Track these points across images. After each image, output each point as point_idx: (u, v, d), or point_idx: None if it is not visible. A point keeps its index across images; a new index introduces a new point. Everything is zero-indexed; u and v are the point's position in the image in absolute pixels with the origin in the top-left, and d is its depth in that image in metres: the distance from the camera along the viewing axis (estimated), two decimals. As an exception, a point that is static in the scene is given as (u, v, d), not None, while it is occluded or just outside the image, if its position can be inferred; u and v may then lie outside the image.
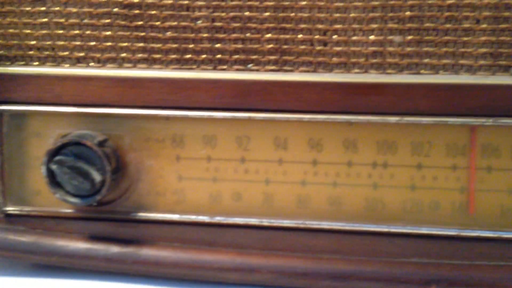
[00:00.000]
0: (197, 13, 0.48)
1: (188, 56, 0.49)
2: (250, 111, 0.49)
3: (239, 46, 0.48)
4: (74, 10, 0.50)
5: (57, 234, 0.53)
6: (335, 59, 0.47)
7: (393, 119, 0.47)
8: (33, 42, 0.51)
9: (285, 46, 0.48)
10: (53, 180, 0.51)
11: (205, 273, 0.51)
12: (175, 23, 0.49)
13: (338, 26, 0.47)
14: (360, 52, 0.47)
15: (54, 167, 0.50)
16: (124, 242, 0.51)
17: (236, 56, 0.49)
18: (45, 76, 0.51)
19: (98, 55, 0.51)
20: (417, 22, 0.46)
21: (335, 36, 0.47)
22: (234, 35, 0.48)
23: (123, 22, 0.50)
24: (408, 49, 0.46)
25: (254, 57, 0.48)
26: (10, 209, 0.53)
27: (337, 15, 0.47)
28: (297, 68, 0.48)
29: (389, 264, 0.49)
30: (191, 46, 0.49)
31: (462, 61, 0.46)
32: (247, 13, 0.48)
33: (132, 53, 0.50)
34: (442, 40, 0.46)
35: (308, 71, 0.48)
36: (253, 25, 0.48)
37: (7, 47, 0.52)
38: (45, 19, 0.51)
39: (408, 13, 0.46)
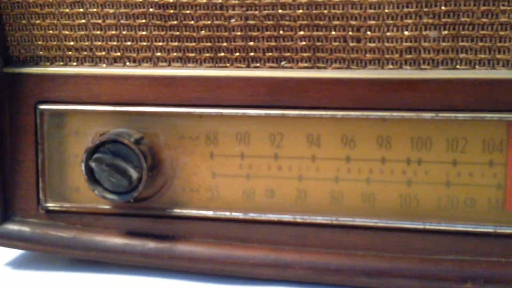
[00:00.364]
0: (230, 12, 0.46)
1: (222, 54, 0.47)
2: (283, 108, 0.47)
3: (272, 43, 0.46)
4: (111, 11, 0.48)
5: (96, 229, 0.51)
6: (368, 56, 0.44)
7: (428, 115, 0.44)
8: (71, 43, 0.49)
9: (318, 43, 0.45)
10: (92, 177, 0.49)
11: (239, 269, 0.49)
12: (209, 22, 0.46)
13: (372, 22, 0.44)
14: (394, 48, 0.44)
15: (93, 164, 0.48)
16: (160, 237, 0.49)
17: (269, 54, 0.46)
18: (83, 76, 0.50)
19: (134, 54, 0.48)
20: (453, 16, 0.42)
21: (368, 32, 0.44)
22: (267, 33, 0.46)
23: (158, 22, 0.47)
24: (444, 44, 0.43)
25: (287, 54, 0.46)
26: (50, 205, 0.52)
27: (371, 11, 0.43)
28: (330, 65, 0.45)
29: (424, 261, 0.46)
30: (224, 44, 0.47)
31: (499, 56, 0.42)
32: (280, 11, 0.45)
33: (167, 52, 0.48)
34: (478, 35, 0.42)
35: (341, 68, 0.45)
36: (286, 23, 0.45)
37: (47, 48, 0.50)
38: (83, 21, 0.49)
39: (443, 7, 0.42)
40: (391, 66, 0.44)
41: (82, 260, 0.50)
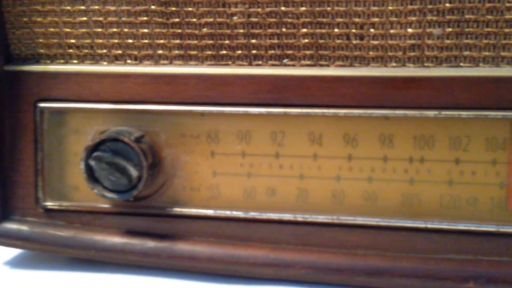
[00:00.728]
0: (233, 9, 0.43)
1: (224, 52, 0.44)
2: (285, 106, 0.44)
3: (275, 41, 0.43)
4: (113, 8, 0.45)
5: (95, 228, 0.49)
6: (371, 53, 0.41)
7: (431, 113, 0.41)
8: (72, 41, 0.46)
9: (321, 41, 0.42)
10: (92, 176, 0.46)
11: (239, 268, 0.46)
12: (211, 19, 0.43)
13: (375, 19, 0.41)
14: (397, 46, 0.41)
15: (92, 163, 0.45)
16: (160, 236, 0.46)
17: (271, 52, 0.43)
18: (84, 74, 0.47)
19: (135, 52, 0.46)
20: (457, 14, 0.40)
21: (372, 30, 0.41)
22: (270, 31, 0.43)
23: (160, 20, 0.44)
24: (448, 41, 0.40)
25: (289, 52, 0.43)
26: (49, 204, 0.49)
27: (375, 8, 0.41)
28: (333, 62, 0.42)
29: (425, 260, 0.43)
30: (226, 42, 0.44)
31: (503, 53, 0.40)
32: (283, 8, 0.42)
33: (168, 50, 0.45)
34: (483, 32, 0.40)
35: (344, 66, 0.42)
36: (289, 20, 0.42)
37: (48, 46, 0.47)
38: (85, 18, 0.46)
39: (448, 4, 0.40)
40: (394, 64, 0.42)
41: (81, 260, 0.49)
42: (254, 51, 0.44)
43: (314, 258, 0.45)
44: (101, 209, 0.48)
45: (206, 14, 0.44)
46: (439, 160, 0.43)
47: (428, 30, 0.41)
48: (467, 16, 0.40)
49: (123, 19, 0.45)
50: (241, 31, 0.44)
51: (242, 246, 0.46)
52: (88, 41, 0.47)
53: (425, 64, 0.41)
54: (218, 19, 0.44)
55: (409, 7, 0.41)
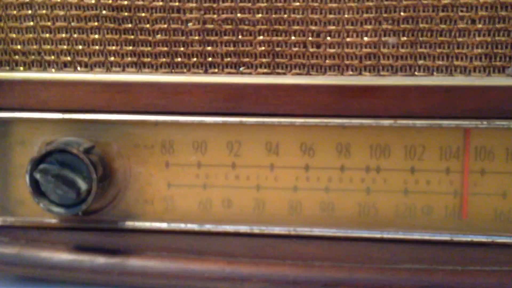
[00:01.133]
0: (188, 15, 0.39)
1: (179, 59, 0.40)
2: (241, 115, 0.41)
3: (231, 48, 0.40)
4: (62, 13, 0.41)
5: (41, 245, 0.44)
6: (328, 61, 0.39)
7: (386, 122, 0.39)
8: (18, 47, 0.42)
9: (277, 49, 0.39)
10: (37, 189, 0.42)
11: (194, 283, 0.42)
12: (166, 25, 0.40)
13: (332, 27, 0.38)
14: (354, 54, 0.39)
15: (38, 175, 0.41)
16: (111, 252, 0.42)
17: (227, 59, 0.40)
18: (30, 82, 0.42)
19: (85, 59, 0.41)
20: (411, 22, 0.38)
21: (328, 38, 0.38)
22: (226, 38, 0.39)
23: (112, 25, 0.40)
24: (403, 50, 0.38)
25: (246, 60, 0.40)
26: (-8, 219, 0.43)
27: (331, 16, 0.38)
28: (290, 70, 0.40)
29: (381, 270, 0.40)
30: (181, 49, 0.40)
31: (457, 63, 0.38)
32: (239, 15, 0.39)
33: (121, 57, 0.41)
34: (437, 41, 0.38)
35: (301, 74, 0.39)
36: (245, 27, 0.39)
37: (-9, 52, 0.42)
38: (32, 23, 0.41)
39: (402, 13, 0.38)
40: (350, 73, 0.39)
41: (26, 278, 0.44)
42: (209, 59, 0.41)
43: (271, 271, 0.42)
44: (48, 224, 0.44)
45: (160, 20, 0.40)
46: (395, 169, 0.41)
47: (383, 38, 0.39)
48: (421, 25, 0.38)
49: (72, 24, 0.41)
50: (197, 38, 0.40)
51: (197, 260, 0.42)
52: (35, 47, 0.42)
53: (381, 73, 0.39)
54: (173, 26, 0.40)
55: (365, 15, 0.39)
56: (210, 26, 0.40)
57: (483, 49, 0.38)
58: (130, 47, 0.41)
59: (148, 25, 0.41)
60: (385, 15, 0.39)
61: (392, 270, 0.41)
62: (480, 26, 0.38)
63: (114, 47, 0.42)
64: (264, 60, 0.40)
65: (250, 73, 0.41)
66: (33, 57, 0.42)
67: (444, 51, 0.39)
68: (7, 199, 0.44)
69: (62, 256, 0.43)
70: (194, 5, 0.40)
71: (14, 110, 0.43)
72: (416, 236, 0.41)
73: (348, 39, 0.39)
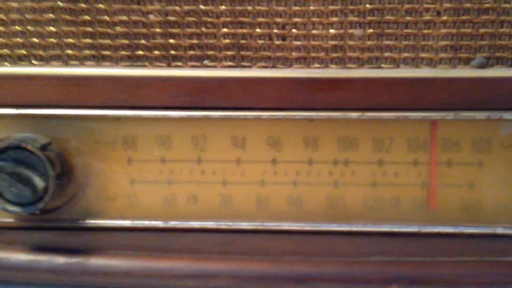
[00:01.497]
0: (149, 7, 0.39)
1: (140, 52, 0.39)
2: (206, 109, 0.40)
3: (195, 41, 0.39)
4: (15, 5, 0.40)
5: None
6: (294, 54, 0.38)
7: (354, 114, 0.39)
8: (-31, 39, 0.39)
9: (242, 41, 0.39)
10: None
11: (159, 282, 0.41)
12: (126, 17, 0.39)
13: (297, 19, 0.38)
14: (320, 47, 0.38)
15: None
16: (71, 251, 0.41)
17: (191, 52, 0.39)
18: (-17, 76, 0.40)
19: (41, 52, 0.40)
20: (377, 15, 0.38)
21: (294, 30, 0.38)
22: (189, 30, 0.39)
23: (69, 17, 0.39)
24: (369, 42, 0.38)
25: (210, 52, 0.39)
26: None
27: (296, 8, 0.38)
28: (255, 63, 0.39)
29: (350, 264, 0.41)
30: (143, 42, 0.39)
31: (422, 55, 0.38)
32: (202, 7, 0.38)
33: (79, 50, 0.40)
34: (402, 33, 0.38)
35: (266, 67, 0.39)
36: (209, 19, 0.38)
37: None
38: (-17, 15, 0.39)
39: (368, 5, 0.38)
40: (317, 65, 0.39)
41: None
42: (172, 52, 0.40)
43: (238, 267, 0.41)
44: (4, 223, 0.42)
45: (120, 12, 0.39)
46: (363, 161, 0.41)
47: (349, 31, 0.38)
48: (387, 17, 0.38)
49: (27, 16, 0.40)
50: (159, 30, 0.39)
51: (162, 257, 0.42)
52: (-13, 40, 0.40)
53: (348, 66, 0.39)
54: (133, 18, 0.39)
55: (331, 7, 0.38)
56: (172, 18, 0.39)
57: (448, 41, 0.39)
58: (89, 40, 0.40)
59: (107, 17, 0.40)
60: (351, 7, 0.39)
61: (361, 263, 0.41)
62: (445, 18, 0.38)
63: (71, 40, 0.40)
64: (228, 53, 0.40)
65: (214, 66, 0.40)
66: (-15, 50, 0.41)
67: (410, 43, 0.39)
68: (-41, 199, 0.42)
69: (19, 256, 0.42)
70: (155, -5, 0.39)
71: (-35, 106, 0.41)
72: (385, 228, 0.41)
73: (314, 32, 0.39)
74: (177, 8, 0.39)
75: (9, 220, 0.42)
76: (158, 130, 0.41)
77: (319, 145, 0.41)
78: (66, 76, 0.40)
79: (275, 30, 0.39)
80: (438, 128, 0.40)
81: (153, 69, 0.40)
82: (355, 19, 0.38)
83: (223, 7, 0.39)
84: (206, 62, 0.40)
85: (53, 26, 0.40)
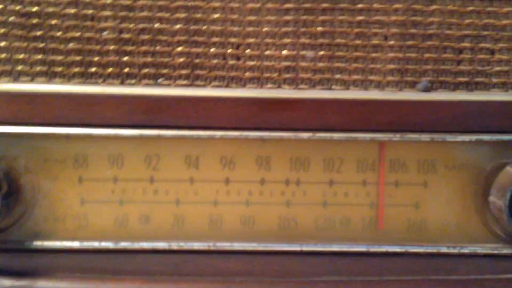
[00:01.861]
0: (103, 24, 0.39)
1: (93, 69, 0.39)
2: (159, 128, 0.40)
3: (149, 59, 0.39)
4: (-37, 18, 0.38)
5: None
6: (248, 74, 0.39)
7: (305, 135, 0.40)
8: None
9: (197, 60, 0.39)
10: None
11: (109, 305, 0.39)
12: (79, 34, 0.39)
13: (251, 40, 0.39)
14: (273, 67, 0.39)
15: None
16: (17, 274, 0.40)
17: (145, 70, 0.39)
18: None
19: (-10, 67, 0.39)
20: (328, 37, 0.39)
21: (248, 51, 0.39)
22: (143, 48, 0.39)
23: (20, 32, 0.39)
24: (320, 64, 0.39)
25: (164, 71, 0.39)
26: None
27: (250, 29, 0.39)
28: (209, 83, 0.40)
29: (300, 284, 0.41)
30: (96, 59, 0.39)
31: (371, 77, 0.40)
32: (157, 25, 0.39)
33: (29, 66, 0.39)
34: (352, 56, 0.39)
35: (220, 86, 0.39)
36: (164, 38, 0.39)
37: None
38: None
39: (320, 28, 0.39)
40: (270, 85, 0.40)
41: None
42: (126, 69, 0.40)
43: (190, 288, 0.41)
44: None
45: (73, 28, 0.39)
46: (314, 182, 0.42)
47: (301, 52, 0.40)
48: (337, 40, 0.40)
49: (-24, 30, 0.39)
50: (112, 47, 0.39)
51: (112, 280, 0.41)
52: None
53: (300, 86, 0.40)
54: (86, 34, 0.39)
55: (283, 29, 0.39)
56: (126, 35, 0.40)
57: (395, 65, 0.40)
58: (40, 56, 0.40)
59: (59, 33, 0.40)
60: (302, 29, 0.40)
61: (311, 282, 0.42)
62: (392, 42, 0.40)
63: (22, 55, 0.40)
64: (183, 71, 0.40)
65: (168, 85, 0.40)
66: None
67: (359, 66, 0.40)
68: None
69: (-38, 280, 0.40)
70: (109, 13, 0.39)
71: None
72: (335, 248, 0.42)
73: (267, 52, 0.40)
74: (131, 25, 0.39)
75: (-50, 241, 0.40)
76: (110, 149, 0.41)
77: (271, 165, 0.42)
78: (16, 92, 0.40)
79: (229, 50, 0.40)
80: (386, 149, 0.41)
81: (106, 86, 0.40)
82: (307, 41, 0.40)
83: (178, 26, 0.39)
84: (160, 80, 0.40)
85: (3, 41, 0.39)
